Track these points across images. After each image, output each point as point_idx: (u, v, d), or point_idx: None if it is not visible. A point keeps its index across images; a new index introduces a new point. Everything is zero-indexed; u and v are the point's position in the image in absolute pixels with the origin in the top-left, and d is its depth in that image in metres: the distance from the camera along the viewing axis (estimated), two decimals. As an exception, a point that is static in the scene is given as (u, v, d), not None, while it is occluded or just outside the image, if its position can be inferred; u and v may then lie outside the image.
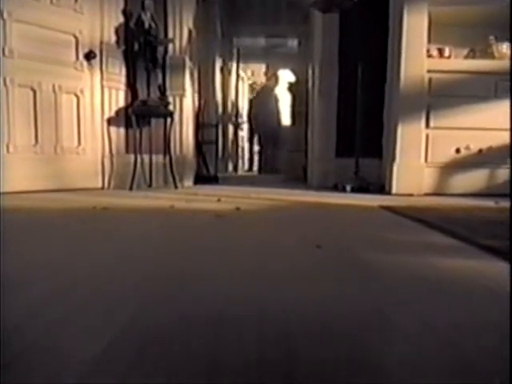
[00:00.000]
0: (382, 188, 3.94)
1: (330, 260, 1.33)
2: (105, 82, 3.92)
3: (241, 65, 8.74)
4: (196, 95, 5.05)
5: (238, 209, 2.46)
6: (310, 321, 0.82)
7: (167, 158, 4.12)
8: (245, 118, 8.92)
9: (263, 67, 9.41)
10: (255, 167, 8.76)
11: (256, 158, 8.84)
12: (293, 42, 8.66)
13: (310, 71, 4.83)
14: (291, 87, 6.66)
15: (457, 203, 2.93)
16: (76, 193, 3.49)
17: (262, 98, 7.77)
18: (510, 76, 3.42)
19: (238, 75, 8.64)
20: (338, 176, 4.21)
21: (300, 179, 5.49)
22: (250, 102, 8.38)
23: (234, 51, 8.52)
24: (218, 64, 7.71)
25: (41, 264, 1.23)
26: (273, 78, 7.42)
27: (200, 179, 4.75)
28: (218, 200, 2.91)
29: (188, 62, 4.35)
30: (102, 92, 3.93)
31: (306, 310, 0.88)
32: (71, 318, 0.82)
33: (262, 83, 9.57)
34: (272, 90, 7.69)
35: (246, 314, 0.85)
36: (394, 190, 3.64)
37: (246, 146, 9.18)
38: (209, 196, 3.26)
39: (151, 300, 0.93)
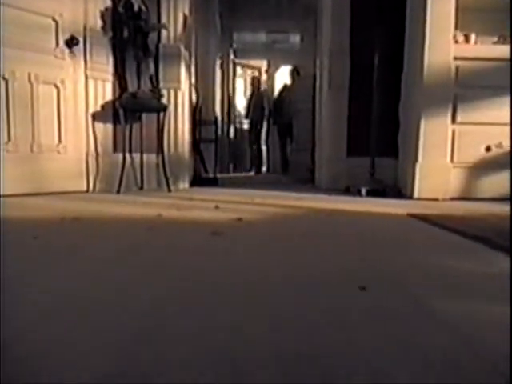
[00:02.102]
0: (399, 191, 3.43)
1: (387, 318, 0.82)
2: (89, 72, 3.39)
3: (242, 61, 8.21)
4: (193, 89, 4.53)
5: (239, 219, 1.95)
6: None
7: (160, 157, 3.61)
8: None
9: (264, 64, 8.85)
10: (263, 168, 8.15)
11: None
12: (295, 38, 8.15)
13: (318, 62, 4.31)
14: (293, 74, 6.15)
15: (496, 210, 2.42)
16: (54, 197, 2.97)
17: (283, 96, 7.17)
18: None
19: (234, 71, 8.12)
20: (350, 177, 3.70)
21: (306, 180, 4.98)
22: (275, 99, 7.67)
23: (234, 46, 8.00)
24: (218, 59, 7.21)
25: None
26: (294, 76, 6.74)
27: (197, 181, 4.24)
28: (216, 207, 2.39)
29: (183, 52, 3.83)
30: (86, 83, 3.40)
31: None
32: None
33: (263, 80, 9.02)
34: (290, 88, 7.08)
35: None
36: (415, 194, 3.13)
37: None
38: (205, 201, 2.75)
39: None
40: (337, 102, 3.84)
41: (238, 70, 8.61)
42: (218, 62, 7.33)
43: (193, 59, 4.57)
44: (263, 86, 7.95)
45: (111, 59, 3.52)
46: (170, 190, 3.49)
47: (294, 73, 6.48)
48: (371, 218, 2.18)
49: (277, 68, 8.32)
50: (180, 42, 3.80)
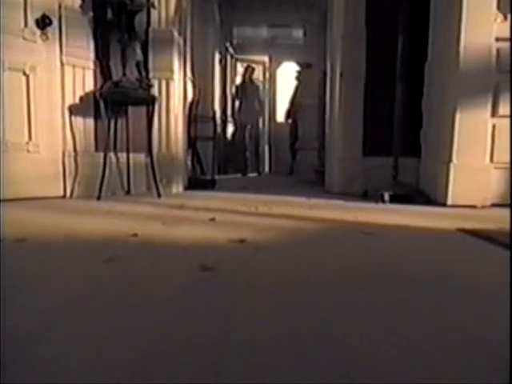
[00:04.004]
0: (426, 196, 2.86)
1: None
2: (65, 58, 2.82)
3: (243, 57, 7.63)
4: (189, 82, 3.96)
5: (241, 241, 1.38)
6: None
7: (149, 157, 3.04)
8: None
9: (266, 60, 8.24)
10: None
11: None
12: (298, 33, 7.60)
13: (329, 53, 3.75)
14: (299, 76, 5.55)
15: None
16: (18, 205, 2.40)
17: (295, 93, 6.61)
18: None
19: (234, 67, 7.55)
20: (367, 180, 3.14)
21: (313, 182, 4.43)
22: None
23: (234, 42, 7.42)
24: (217, 54, 6.64)
25: None
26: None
27: (193, 183, 3.68)
28: (212, 219, 1.83)
29: (177, 37, 3.27)
30: (62, 71, 2.83)
31: None
32: None
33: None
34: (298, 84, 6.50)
35: None
36: (449, 200, 2.57)
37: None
38: (199, 210, 2.18)
39: None
40: (351, 95, 3.27)
41: (239, 67, 8.04)
42: (218, 58, 6.76)
43: (188, 49, 4.01)
44: (260, 79, 7.31)
45: (92, 43, 2.95)
46: (159, 195, 2.92)
47: (304, 66, 5.87)
48: (416, 237, 1.62)
49: (279, 64, 7.73)
50: (173, 27, 3.23)
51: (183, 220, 1.87)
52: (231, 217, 1.97)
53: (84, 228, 1.66)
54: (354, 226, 1.78)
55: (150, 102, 2.92)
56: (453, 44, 2.58)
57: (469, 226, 1.81)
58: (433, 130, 2.91)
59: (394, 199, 2.69)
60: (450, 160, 2.56)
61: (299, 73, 5.63)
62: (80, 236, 1.49)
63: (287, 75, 7.56)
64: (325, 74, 4.08)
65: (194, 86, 4.33)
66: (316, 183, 4.32)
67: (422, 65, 3.02)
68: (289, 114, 6.88)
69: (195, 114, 3.93)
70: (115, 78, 2.93)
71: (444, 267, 1.17)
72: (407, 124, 3.01)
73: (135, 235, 1.47)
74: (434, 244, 1.49)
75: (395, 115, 2.89)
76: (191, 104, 3.96)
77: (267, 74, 7.85)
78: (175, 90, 3.29)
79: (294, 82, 6.54)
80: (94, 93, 2.92)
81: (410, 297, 0.90)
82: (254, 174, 6.91)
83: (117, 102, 2.85)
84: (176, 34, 3.26)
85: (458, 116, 2.53)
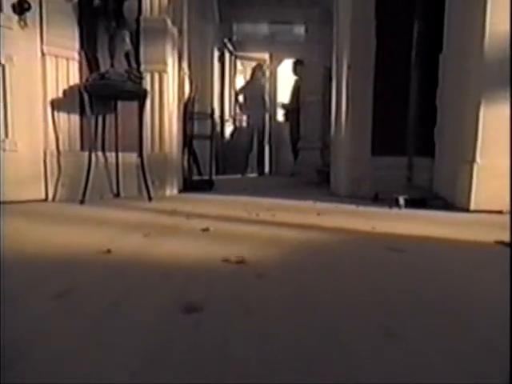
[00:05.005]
0: (435, 198, 2.56)
1: None
2: (46, 48, 2.51)
3: (242, 54, 7.33)
4: (185, 77, 3.66)
5: (239, 262, 1.09)
6: None
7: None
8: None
9: (266, 58, 7.93)
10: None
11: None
12: (299, 29, 7.28)
13: (335, 43, 3.45)
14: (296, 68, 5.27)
15: None
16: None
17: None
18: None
19: (234, 65, 7.26)
20: (377, 181, 2.84)
21: (317, 183, 4.13)
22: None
23: (234, 38, 7.11)
24: (216, 50, 6.34)
25: None
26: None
27: (189, 185, 3.38)
28: (205, 230, 1.53)
29: (170, 27, 2.96)
30: (44, 62, 2.52)
31: None
32: None
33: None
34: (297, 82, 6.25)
35: None
36: (472, 205, 2.26)
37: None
38: (193, 217, 1.88)
39: None
40: (359, 88, 2.96)
41: (238, 65, 7.74)
42: (216, 55, 6.46)
43: (185, 43, 3.70)
44: (263, 78, 7.00)
45: (77, 32, 2.65)
46: (150, 199, 2.61)
47: (297, 64, 5.59)
48: (452, 252, 1.31)
49: (279, 62, 7.42)
50: (166, 15, 2.93)
51: (171, 230, 1.57)
52: (228, 226, 1.67)
53: (49, 241, 1.36)
54: (373, 238, 1.49)
55: (141, 95, 2.62)
56: (476, 32, 2.27)
57: (505, 237, 1.51)
58: (450, 127, 2.61)
59: (410, 204, 2.38)
60: (472, 160, 2.26)
61: (295, 69, 5.37)
62: (40, 253, 1.19)
63: (288, 73, 7.23)
64: (329, 70, 3.79)
65: (191, 82, 4.03)
66: (319, 184, 4.03)
67: (436, 53, 2.73)
68: (287, 116, 6.62)
69: (192, 111, 3.62)
70: (103, 69, 2.63)
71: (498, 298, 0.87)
72: (421, 120, 2.71)
73: (108, 252, 1.17)
74: (475, 262, 1.19)
75: (410, 110, 2.59)
76: (187, 100, 3.66)
77: (267, 72, 7.54)
78: (169, 84, 2.98)
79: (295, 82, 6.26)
80: (79, 86, 2.62)
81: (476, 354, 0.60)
82: (254, 175, 6.61)
83: (103, 95, 2.55)
84: (170, 23, 2.96)
85: (482, 111, 2.23)
